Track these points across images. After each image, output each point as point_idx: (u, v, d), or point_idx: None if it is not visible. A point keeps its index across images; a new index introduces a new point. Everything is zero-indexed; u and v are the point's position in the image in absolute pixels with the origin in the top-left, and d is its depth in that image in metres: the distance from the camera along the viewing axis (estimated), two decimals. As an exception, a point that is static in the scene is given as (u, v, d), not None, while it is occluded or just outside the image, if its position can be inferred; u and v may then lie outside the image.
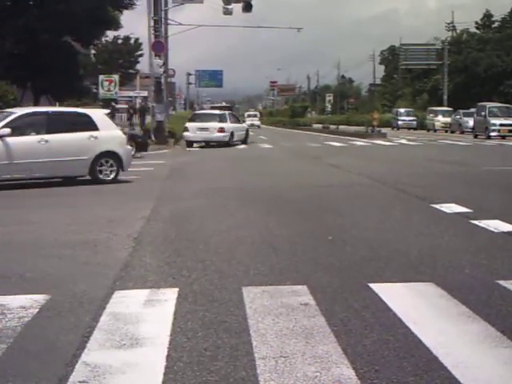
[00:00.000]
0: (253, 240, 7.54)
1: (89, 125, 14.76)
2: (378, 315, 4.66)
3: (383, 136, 39.97)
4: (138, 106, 49.14)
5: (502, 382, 3.54)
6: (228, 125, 32.67)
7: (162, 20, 36.90)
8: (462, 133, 46.60)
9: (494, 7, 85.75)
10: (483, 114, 39.57)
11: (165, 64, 37.48)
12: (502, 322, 4.49)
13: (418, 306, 4.89)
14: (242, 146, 32.39)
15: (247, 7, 36.98)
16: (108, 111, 16.78)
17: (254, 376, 3.62)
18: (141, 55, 61.05)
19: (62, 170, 14.49)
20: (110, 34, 51.62)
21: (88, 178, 14.84)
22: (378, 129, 43.16)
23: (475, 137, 39.90)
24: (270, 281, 5.67)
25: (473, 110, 44.50)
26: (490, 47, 67.16)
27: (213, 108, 55.96)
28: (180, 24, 42.73)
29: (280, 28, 54.94)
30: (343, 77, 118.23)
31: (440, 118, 53.75)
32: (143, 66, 56.53)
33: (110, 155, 14.97)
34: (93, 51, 58.80)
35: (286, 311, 4.75)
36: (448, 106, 58.52)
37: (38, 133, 14.28)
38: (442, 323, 4.48)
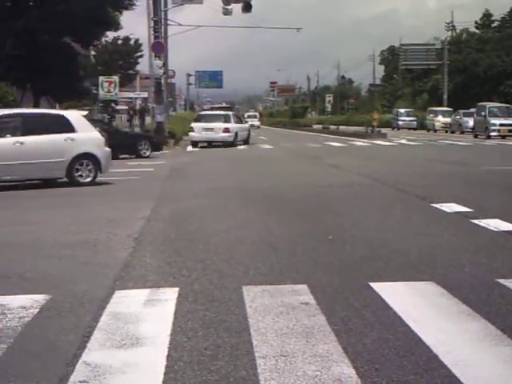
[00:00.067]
0: (253, 240, 7.54)
1: (66, 126, 14.53)
2: (379, 314, 4.67)
3: (383, 136, 39.98)
4: (138, 107, 49.20)
5: (502, 380, 3.54)
6: (232, 125, 33.19)
7: (162, 21, 36.92)
8: (462, 133, 46.59)
9: (493, 7, 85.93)
10: (483, 113, 39.57)
11: (165, 65, 37.51)
12: (501, 320, 4.49)
13: (418, 305, 4.89)
14: (242, 147, 32.41)
15: (247, 7, 37.00)
16: (86, 113, 16.55)
17: (255, 375, 3.62)
18: (141, 56, 60.96)
19: (38, 173, 14.26)
20: (110, 35, 51.57)
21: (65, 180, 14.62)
22: (377, 129, 43.17)
23: (475, 137, 39.89)
24: (270, 280, 5.67)
25: (473, 110, 44.49)
26: (489, 47, 67.17)
27: (212, 109, 56.12)
28: (180, 25, 42.84)
29: (280, 28, 55.05)
30: (343, 77, 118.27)
31: (440, 118, 53.75)
32: (143, 66, 56.56)
33: (88, 157, 14.72)
34: (93, 52, 58.79)
35: (286, 310, 4.75)
36: (448, 106, 58.51)
37: (13, 135, 14.08)
38: (442, 322, 4.48)
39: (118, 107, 55.64)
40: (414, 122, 59.33)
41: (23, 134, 14.09)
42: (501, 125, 38.15)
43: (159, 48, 34.78)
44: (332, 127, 55.50)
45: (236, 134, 32.99)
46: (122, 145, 25.00)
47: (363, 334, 4.26)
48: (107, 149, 15.28)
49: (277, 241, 7.46)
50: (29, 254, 7.10)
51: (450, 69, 66.78)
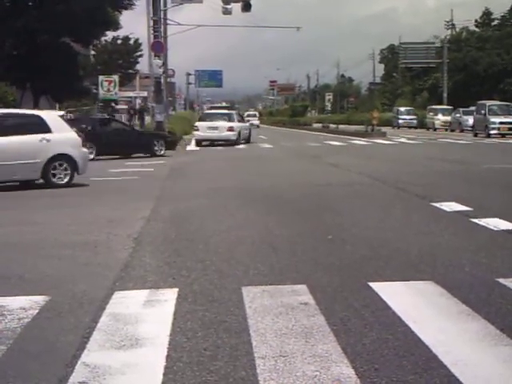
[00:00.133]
0: (253, 240, 7.54)
1: (41, 127, 14.22)
2: (378, 314, 4.67)
3: (383, 135, 39.98)
4: (137, 106, 49.20)
5: (501, 379, 3.54)
6: (236, 124, 33.97)
7: (162, 20, 36.91)
8: (462, 131, 46.60)
9: (493, 5, 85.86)
10: (483, 112, 39.55)
11: (164, 64, 37.49)
12: (501, 320, 4.49)
13: (417, 305, 4.89)
14: (242, 146, 32.43)
15: (246, 7, 37.00)
16: (62, 113, 16.42)
17: (254, 376, 3.62)
18: (140, 55, 61.01)
19: (12, 174, 13.99)
20: (110, 35, 51.60)
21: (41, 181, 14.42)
22: (377, 128, 43.17)
23: (475, 135, 39.88)
24: (269, 280, 5.67)
25: (472, 108, 44.49)
26: (489, 45, 67.16)
27: (212, 108, 56.33)
28: (179, 24, 42.80)
29: (279, 28, 55.04)
30: (343, 76, 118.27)
31: (440, 116, 53.72)
32: (143, 66, 56.57)
33: (64, 158, 14.42)
34: (92, 52, 58.80)
35: (285, 311, 4.75)
36: (448, 105, 58.51)
37: None
38: (442, 322, 4.48)
39: (118, 106, 55.68)
40: (415, 121, 59.33)
41: None
42: (501, 123, 38.13)
43: (159, 47, 34.78)
44: (332, 126, 55.48)
45: (239, 132, 33.67)
46: (138, 144, 25.57)
47: (362, 334, 4.26)
48: (84, 149, 15.04)
49: (277, 241, 7.46)
50: (29, 254, 7.10)
51: (450, 67, 66.77)
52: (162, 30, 36.94)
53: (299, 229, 8.29)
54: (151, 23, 34.68)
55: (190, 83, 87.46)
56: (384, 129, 45.70)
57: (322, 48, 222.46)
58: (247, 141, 35.13)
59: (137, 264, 6.46)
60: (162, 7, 36.65)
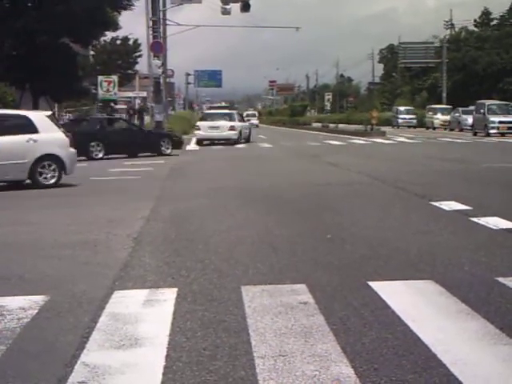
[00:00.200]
0: (252, 239, 7.54)
1: (28, 127, 14.14)
2: (377, 313, 4.66)
3: (382, 134, 39.99)
4: (137, 106, 49.21)
5: (501, 378, 3.54)
6: (237, 123, 34.48)
7: (161, 20, 36.93)
8: (461, 130, 46.60)
9: (492, 5, 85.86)
10: (482, 111, 39.57)
11: (163, 64, 37.51)
12: (501, 319, 4.49)
13: (417, 304, 4.89)
14: (242, 146, 32.45)
15: (245, 7, 37.02)
16: (50, 113, 16.39)
17: (253, 375, 3.62)
18: (139, 56, 61.10)
19: (4, 174, 13.92)
20: (109, 35, 51.60)
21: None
22: (376, 127, 43.18)
23: (474, 134, 39.89)
24: (269, 280, 5.67)
25: (472, 107, 44.50)
26: (488, 45, 67.17)
27: (211, 108, 56.50)
28: (178, 24, 42.85)
29: (279, 28, 55.04)
30: (342, 76, 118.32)
31: (439, 115, 53.73)
32: (142, 66, 56.62)
33: (51, 158, 14.36)
34: (91, 52, 58.83)
35: (285, 310, 4.75)
36: (447, 104, 58.52)
37: None
38: (441, 321, 4.48)
39: (117, 107, 55.76)
40: (414, 120, 59.34)
41: None
42: (500, 122, 38.15)
43: (158, 48, 34.79)
44: (331, 125, 55.49)
45: (240, 132, 34.14)
46: (145, 143, 25.83)
47: (362, 333, 4.26)
48: (72, 150, 14.92)
49: (276, 240, 7.46)
50: (29, 254, 7.10)
51: (449, 67, 66.78)
52: (161, 30, 36.96)
53: (299, 228, 8.29)
54: (150, 23, 34.69)
55: (189, 83, 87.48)
56: (383, 128, 45.72)
57: (321, 48, 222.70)
58: (247, 140, 35.48)
59: (136, 264, 6.46)
60: (161, 7, 36.67)
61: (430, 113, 55.13)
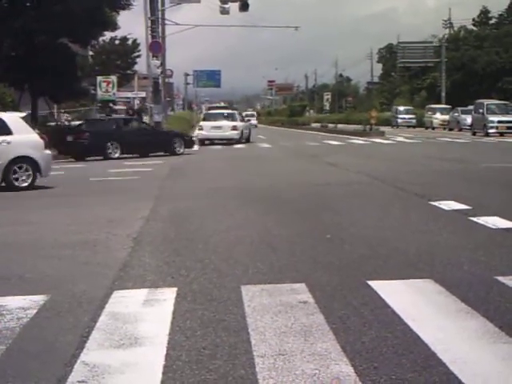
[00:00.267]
0: (252, 239, 7.54)
1: (1, 129, 13.97)
2: (377, 312, 4.67)
3: (381, 134, 40.02)
4: (136, 106, 49.22)
5: (500, 377, 3.54)
6: (239, 123, 35.11)
7: (159, 20, 36.94)
8: (460, 130, 46.61)
9: (491, 4, 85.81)
10: (481, 111, 39.59)
11: (162, 64, 37.52)
12: (500, 317, 4.49)
13: (416, 303, 4.89)
14: (241, 146, 32.49)
15: (244, 6, 37.04)
16: (24, 114, 16.33)
17: (253, 374, 3.62)
18: (138, 56, 61.03)
19: None
20: (107, 35, 51.58)
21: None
22: (375, 127, 43.20)
23: (473, 134, 39.91)
24: (268, 279, 5.67)
25: (471, 107, 44.51)
26: (487, 44, 67.21)
27: (210, 108, 56.72)
28: (177, 24, 42.79)
29: (278, 27, 55.01)
30: (341, 75, 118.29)
31: (438, 115, 53.75)
32: (141, 66, 56.60)
33: (26, 160, 14.15)
34: (90, 52, 58.77)
35: (284, 309, 4.75)
36: (446, 104, 58.55)
37: None
38: (441, 320, 4.48)
39: (116, 107, 55.73)
40: (413, 120, 59.37)
41: None
42: (499, 122, 38.16)
43: (157, 48, 34.80)
44: (330, 125, 55.53)
45: (242, 131, 34.65)
46: (159, 142, 26.28)
47: (361, 332, 4.26)
48: (47, 151, 14.76)
49: (276, 240, 7.46)
50: (29, 254, 7.11)
51: (448, 66, 66.80)
52: (159, 30, 36.97)
53: (298, 228, 8.30)
54: (149, 23, 34.72)
55: (188, 83, 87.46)
56: (382, 128, 45.75)
57: (320, 48, 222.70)
58: (247, 140, 35.81)
59: (136, 263, 6.47)
60: (159, 7, 36.68)
61: (429, 112, 55.15)
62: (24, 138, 14.29)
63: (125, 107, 54.55)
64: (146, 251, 7.05)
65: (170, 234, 8.12)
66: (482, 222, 8.27)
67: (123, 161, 23.23)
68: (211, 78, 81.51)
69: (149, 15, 34.46)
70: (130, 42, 61.17)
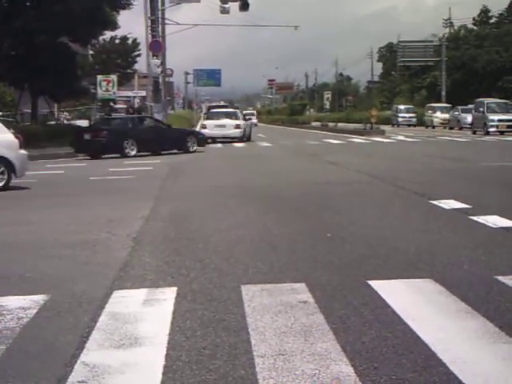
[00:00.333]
0: (252, 238, 7.54)
1: None
2: (377, 312, 4.67)
3: (381, 133, 40.02)
4: (136, 105, 49.20)
5: (500, 377, 3.54)
6: (241, 122, 35.71)
7: (159, 19, 36.93)
8: (461, 129, 46.59)
9: (491, 3, 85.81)
10: (481, 109, 39.59)
11: (162, 63, 37.52)
12: (500, 317, 4.49)
13: (416, 303, 4.89)
14: (242, 144, 32.50)
15: (244, 6, 37.04)
16: None
17: (253, 374, 3.62)
18: (138, 55, 61.03)
19: None
20: (108, 34, 51.55)
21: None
22: (376, 126, 43.20)
23: (474, 133, 39.90)
24: (268, 279, 5.67)
25: (471, 106, 44.51)
26: (487, 43, 67.19)
27: (210, 108, 56.95)
28: (177, 23, 42.77)
29: (278, 26, 55.03)
30: (341, 74, 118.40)
31: (438, 114, 53.74)
32: (141, 65, 56.57)
33: (0, 160, 13.95)
34: (90, 52, 58.77)
35: (284, 309, 4.75)
36: (446, 103, 58.54)
37: None
38: (441, 319, 4.48)
39: (117, 106, 55.72)
40: (414, 119, 59.37)
41: None
42: (499, 120, 38.14)
43: (157, 47, 34.81)
44: (330, 124, 55.51)
45: (245, 130, 35.28)
46: (173, 140, 26.66)
47: (361, 332, 4.26)
48: (23, 151, 14.57)
49: (276, 239, 7.46)
50: (29, 254, 7.10)
51: (448, 65, 66.79)
52: (159, 29, 36.98)
53: (298, 227, 8.29)
54: (149, 23, 34.72)
55: (188, 82, 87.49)
56: (383, 127, 45.72)
57: (320, 47, 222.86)
58: (248, 139, 36.18)
59: (136, 263, 6.46)
60: (159, 7, 36.67)
61: (430, 111, 55.14)
62: None
63: (125, 106, 54.51)
64: (146, 251, 7.05)
65: (170, 233, 8.12)
66: (482, 221, 8.26)
67: (124, 160, 23.23)
68: (211, 77, 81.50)
69: (149, 15, 34.46)
70: (130, 41, 61.15)
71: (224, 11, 37.93)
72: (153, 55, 34.33)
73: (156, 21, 35.06)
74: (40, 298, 5.21)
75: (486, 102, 40.63)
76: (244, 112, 61.58)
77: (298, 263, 6.26)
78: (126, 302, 5.09)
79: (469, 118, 44.20)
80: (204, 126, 35.46)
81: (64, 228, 8.71)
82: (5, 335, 4.37)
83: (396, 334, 4.21)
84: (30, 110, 37.98)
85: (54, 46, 34.06)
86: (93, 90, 45.51)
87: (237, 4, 37.38)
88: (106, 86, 40.76)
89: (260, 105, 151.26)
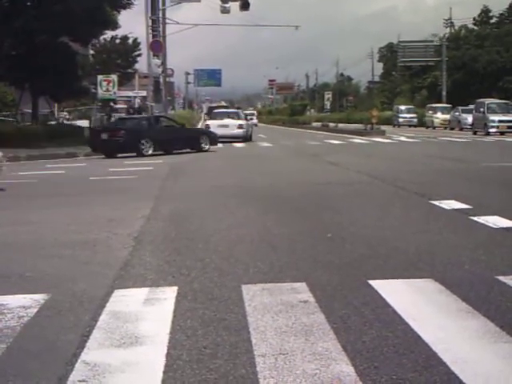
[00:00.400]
0: (252, 238, 7.54)
1: None
2: (378, 312, 4.67)
3: (382, 133, 40.04)
4: (136, 105, 49.20)
5: (501, 376, 3.54)
6: (244, 122, 36.57)
7: (160, 19, 36.94)
8: (461, 129, 46.61)
9: (491, 3, 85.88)
10: (482, 110, 39.60)
11: (163, 63, 37.53)
12: (501, 317, 4.49)
13: (417, 303, 4.89)
14: (242, 145, 32.52)
15: (244, 6, 37.04)
16: None
17: (254, 374, 3.62)
18: (139, 55, 61.00)
19: None
20: (108, 34, 51.54)
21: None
22: (376, 126, 43.21)
23: (474, 133, 39.92)
24: (269, 278, 5.67)
25: (471, 106, 44.52)
26: (488, 43, 67.20)
27: (211, 108, 57.26)
28: (178, 23, 42.76)
29: (278, 26, 55.05)
30: (342, 75, 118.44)
31: (439, 114, 53.77)
32: (142, 65, 56.56)
33: None
34: (91, 51, 58.77)
35: (285, 308, 4.75)
36: (447, 103, 58.57)
37: None
38: (442, 319, 4.48)
39: (117, 106, 55.68)
40: (415, 119, 59.39)
41: None
42: (500, 121, 38.17)
43: (157, 47, 34.81)
44: (331, 125, 55.53)
45: (247, 130, 36.04)
46: (187, 140, 27.21)
47: (362, 331, 4.26)
48: None
49: (276, 239, 7.46)
50: (29, 253, 7.10)
51: (449, 65, 66.82)
52: (160, 29, 36.98)
53: (298, 227, 8.29)
54: (150, 22, 34.72)
55: (188, 82, 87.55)
56: (383, 127, 45.73)
57: (321, 47, 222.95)
58: (249, 139, 36.62)
59: (136, 262, 6.46)
60: (160, 6, 36.68)
61: (430, 112, 55.16)
62: None
63: (125, 106, 54.52)
64: (146, 250, 7.05)
65: (171, 233, 8.12)
66: (483, 222, 8.26)
67: (124, 160, 23.23)
68: (212, 77, 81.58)
69: (149, 14, 34.47)
70: (130, 41, 61.13)
71: (224, 11, 37.94)
72: (153, 55, 34.35)
73: (157, 20, 35.08)
74: (40, 297, 5.21)
75: (486, 102, 40.65)
76: (244, 112, 61.79)
77: (299, 263, 6.26)
78: (126, 301, 5.09)
79: (469, 119, 44.22)
80: (207, 126, 35.72)
81: (64, 228, 8.70)
82: (5, 334, 4.37)
83: (397, 333, 4.21)
84: (30, 110, 37.99)
85: (55, 46, 34.06)
86: (93, 90, 45.49)
87: (237, 4, 37.38)
88: (106, 85, 40.72)
89: (260, 105, 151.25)
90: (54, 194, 13.28)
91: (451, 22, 78.03)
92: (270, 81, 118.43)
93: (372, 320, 4.49)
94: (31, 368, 3.82)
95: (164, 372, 3.66)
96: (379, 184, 13.13)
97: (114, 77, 41.91)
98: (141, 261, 6.54)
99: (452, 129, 48.90)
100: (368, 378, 3.53)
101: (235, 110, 42.36)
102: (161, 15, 37.08)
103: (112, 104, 51.27)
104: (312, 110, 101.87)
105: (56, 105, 51.64)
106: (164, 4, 38.31)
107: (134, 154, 24.91)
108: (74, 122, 44.27)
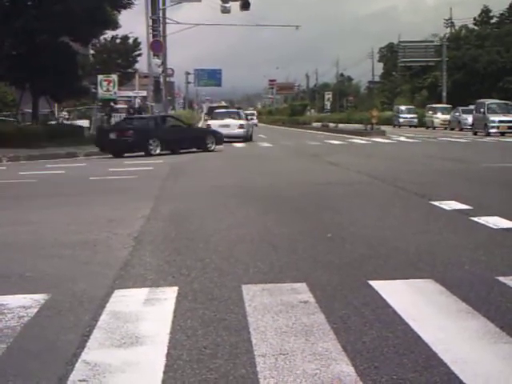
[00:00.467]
0: (252, 238, 7.54)
1: None
2: (378, 312, 4.67)
3: (382, 134, 40.04)
4: (137, 105, 49.20)
5: (501, 377, 3.54)
6: (244, 122, 36.94)
7: (160, 19, 36.94)
8: (461, 130, 46.63)
9: (492, 3, 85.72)
10: (482, 110, 39.60)
11: (163, 63, 37.53)
12: (501, 317, 4.49)
13: (417, 303, 4.89)
14: (242, 145, 32.52)
15: (245, 5, 37.05)
16: None
17: (254, 374, 3.62)
18: (139, 55, 60.94)
19: None
20: (109, 34, 51.51)
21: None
22: (376, 126, 43.23)
23: (474, 134, 39.92)
24: (269, 278, 5.67)
25: (472, 106, 44.53)
26: (488, 43, 67.21)
27: (211, 108, 57.44)
28: (178, 23, 42.79)
29: (278, 26, 55.08)
30: (342, 75, 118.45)
31: (439, 115, 53.79)
32: (142, 65, 56.55)
33: None
34: (91, 51, 58.75)
35: (285, 309, 4.75)
36: (447, 103, 58.60)
37: None
38: (442, 320, 4.48)
39: (118, 106, 55.67)
40: (415, 120, 59.41)
41: None
42: (500, 121, 38.18)
43: (158, 47, 34.82)
44: (331, 125, 55.53)
45: (247, 130, 36.38)
46: (193, 139, 27.47)
47: (362, 332, 4.26)
48: None
49: (276, 239, 7.46)
50: (29, 253, 7.10)
51: (449, 65, 66.82)
52: (160, 29, 36.98)
53: (299, 227, 8.29)
54: (150, 22, 34.72)
55: (189, 82, 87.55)
56: (383, 127, 45.74)
57: (321, 46, 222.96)
58: (250, 139, 36.85)
59: (137, 262, 6.46)
60: (160, 6, 36.68)
61: (430, 112, 55.18)
62: None
63: (126, 106, 54.51)
64: (146, 250, 7.05)
65: (171, 233, 8.12)
66: (483, 222, 8.27)
67: (124, 160, 23.24)
68: (212, 76, 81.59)
69: (150, 14, 34.47)
70: (131, 40, 61.06)
71: (225, 11, 37.95)
72: (154, 55, 34.35)
73: (157, 20, 35.08)
74: (41, 297, 5.21)
75: (486, 102, 40.66)
76: (244, 112, 61.88)
77: (299, 263, 6.27)
78: (126, 301, 5.09)
79: (469, 119, 44.24)
80: (208, 126, 35.88)
81: (64, 228, 8.70)
82: (5, 334, 4.37)
83: (397, 333, 4.21)
84: (30, 110, 37.99)
85: (55, 46, 34.06)
86: (93, 90, 45.48)
87: (238, 4, 37.38)
88: (106, 85, 40.71)
89: (261, 105, 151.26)
90: (54, 194, 13.28)
91: (451, 22, 78.08)
92: (271, 81, 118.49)
93: (372, 320, 4.49)
94: (31, 368, 3.82)
95: (164, 372, 3.66)
96: (379, 184, 13.14)
97: (115, 77, 41.90)
98: (141, 261, 6.54)
99: (452, 129, 48.90)
100: (368, 378, 3.54)
101: (236, 110, 42.63)
102: (161, 15, 37.09)
103: (112, 104, 51.27)
104: (312, 110, 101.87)
105: (56, 105, 51.62)
106: (164, 4, 38.35)
107: (142, 154, 25.06)
108: (73, 122, 44.26)
